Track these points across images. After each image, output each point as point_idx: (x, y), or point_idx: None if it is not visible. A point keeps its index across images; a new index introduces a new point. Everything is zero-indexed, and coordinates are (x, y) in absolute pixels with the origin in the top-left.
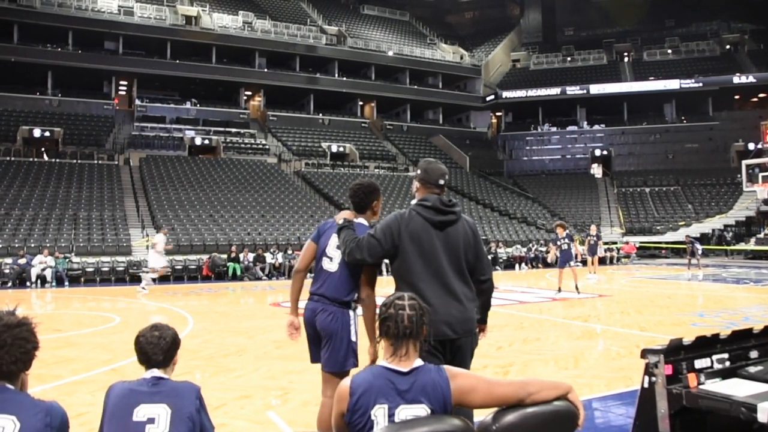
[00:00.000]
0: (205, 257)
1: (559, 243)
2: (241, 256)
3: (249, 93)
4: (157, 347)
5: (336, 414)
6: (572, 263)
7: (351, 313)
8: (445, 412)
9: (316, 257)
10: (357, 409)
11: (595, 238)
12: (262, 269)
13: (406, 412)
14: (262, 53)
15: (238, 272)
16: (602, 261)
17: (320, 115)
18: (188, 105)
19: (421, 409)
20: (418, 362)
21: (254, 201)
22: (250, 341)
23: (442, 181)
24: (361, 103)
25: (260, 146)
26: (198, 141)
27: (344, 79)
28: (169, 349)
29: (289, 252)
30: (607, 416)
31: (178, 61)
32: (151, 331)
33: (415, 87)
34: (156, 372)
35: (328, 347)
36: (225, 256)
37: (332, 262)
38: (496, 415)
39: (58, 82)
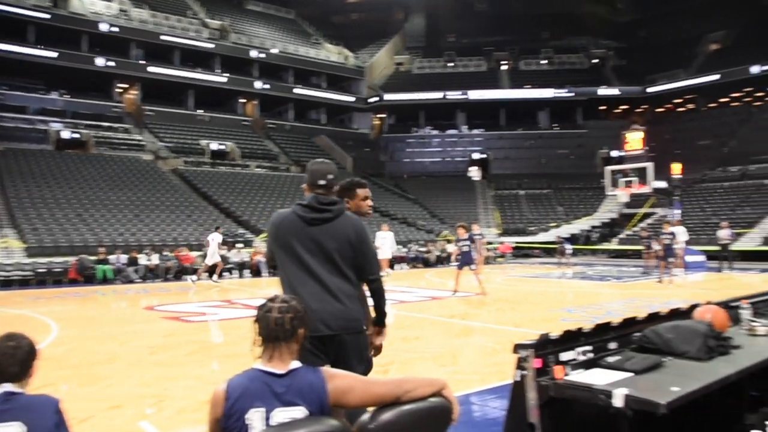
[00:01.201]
0: (72, 259)
1: (459, 245)
2: (113, 257)
3: (124, 85)
4: (13, 358)
5: (211, 420)
6: (472, 266)
7: None
8: (322, 414)
9: None
10: (232, 413)
11: (479, 236)
12: (136, 271)
13: (282, 414)
14: (140, 44)
15: (109, 275)
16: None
17: (200, 111)
18: (54, 95)
19: (298, 411)
20: (295, 364)
21: (127, 200)
22: (122, 347)
23: (322, 182)
24: (243, 100)
25: (135, 142)
26: (66, 135)
27: (226, 75)
28: (26, 360)
29: (165, 253)
30: (484, 410)
31: (41, 47)
32: (4, 341)
33: (299, 86)
34: (8, 386)
35: None
36: (94, 258)
37: None
38: (373, 414)
39: None
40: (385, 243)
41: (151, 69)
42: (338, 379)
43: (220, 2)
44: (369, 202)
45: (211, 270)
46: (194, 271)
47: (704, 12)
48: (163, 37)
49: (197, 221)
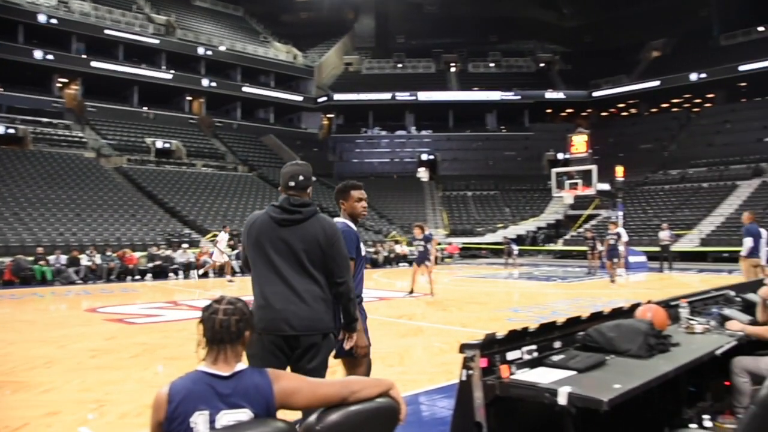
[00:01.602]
0: (7, 260)
1: (415, 244)
2: (52, 258)
3: (64, 80)
4: None
5: (153, 424)
6: (427, 263)
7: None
8: (268, 416)
9: None
10: (176, 417)
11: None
12: (77, 272)
13: (227, 417)
14: (81, 38)
15: (48, 276)
16: None
17: (145, 108)
18: None
19: (243, 414)
20: (241, 366)
21: (68, 198)
22: (61, 351)
23: (292, 183)
24: (189, 98)
25: (76, 139)
26: (0, 129)
27: (172, 72)
28: None
29: (108, 253)
30: (432, 409)
31: None
32: None
33: (247, 84)
34: None
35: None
36: (32, 258)
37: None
38: (320, 416)
39: None
40: None
41: (94, 64)
42: (284, 381)
43: None
44: (363, 204)
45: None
46: (141, 273)
47: (646, 20)
48: (106, 32)
49: (141, 221)
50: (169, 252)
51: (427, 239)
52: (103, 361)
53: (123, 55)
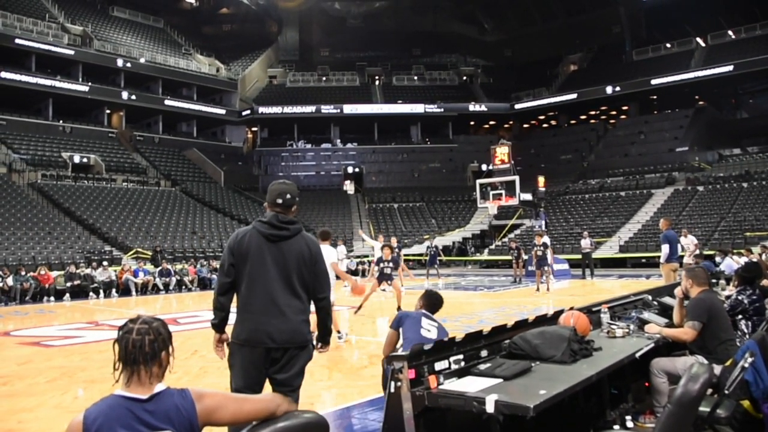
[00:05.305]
0: None
1: (382, 266)
2: None
3: None
4: None
5: None
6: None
7: None
8: None
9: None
10: None
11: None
12: None
13: None
14: None
15: None
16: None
17: (61, 122)
18: None
19: None
20: (160, 387)
21: None
22: None
23: (279, 200)
24: (108, 111)
25: None
26: None
27: (89, 84)
28: None
29: (23, 273)
30: (363, 422)
31: None
32: None
33: (169, 97)
34: None
35: None
36: None
37: (430, 333)
38: (249, 431)
39: None
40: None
41: (3, 75)
42: (207, 398)
43: (82, 7)
44: None
45: None
46: (58, 293)
47: (562, 35)
48: (17, 41)
49: (58, 239)
50: (88, 270)
51: (395, 262)
52: (15, 388)
53: (35, 66)
